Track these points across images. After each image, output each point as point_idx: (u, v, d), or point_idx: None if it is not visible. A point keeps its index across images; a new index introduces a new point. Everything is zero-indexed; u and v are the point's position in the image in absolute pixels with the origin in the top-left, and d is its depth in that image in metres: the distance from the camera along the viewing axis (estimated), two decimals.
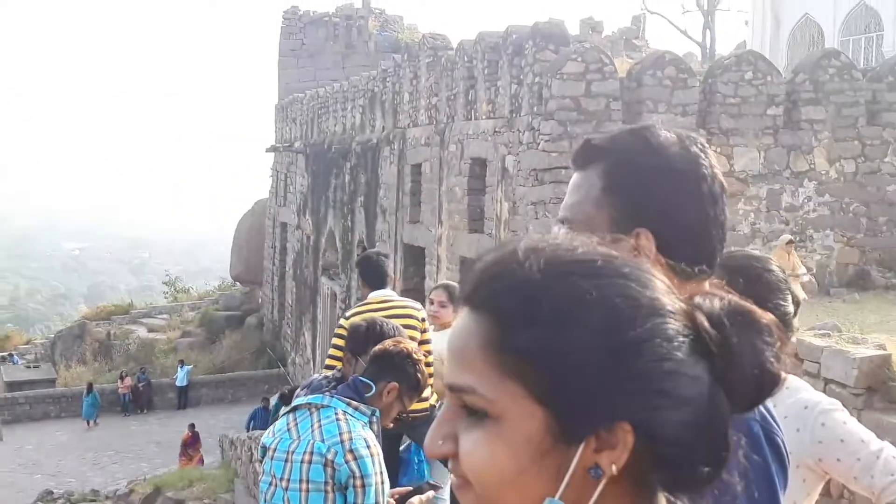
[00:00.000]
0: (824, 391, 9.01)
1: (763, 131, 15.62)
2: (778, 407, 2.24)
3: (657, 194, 1.47)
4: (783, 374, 1.01)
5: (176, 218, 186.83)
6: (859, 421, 8.24)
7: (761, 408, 1.46)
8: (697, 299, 0.96)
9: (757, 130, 15.60)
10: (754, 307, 0.97)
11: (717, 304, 0.95)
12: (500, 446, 0.89)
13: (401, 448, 4.59)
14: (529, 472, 0.89)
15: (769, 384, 0.96)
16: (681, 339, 0.90)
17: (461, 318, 0.94)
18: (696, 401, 0.89)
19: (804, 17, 34.63)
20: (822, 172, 15.83)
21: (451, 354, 0.94)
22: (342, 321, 5.67)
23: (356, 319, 5.16)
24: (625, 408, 0.87)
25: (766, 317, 0.97)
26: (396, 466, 4.38)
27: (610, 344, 0.87)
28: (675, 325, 0.91)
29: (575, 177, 1.56)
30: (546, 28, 15.90)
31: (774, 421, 1.51)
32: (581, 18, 30.14)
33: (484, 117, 17.65)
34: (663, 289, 0.93)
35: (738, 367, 0.93)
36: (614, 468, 0.89)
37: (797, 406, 2.32)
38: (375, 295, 5.91)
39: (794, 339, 9.97)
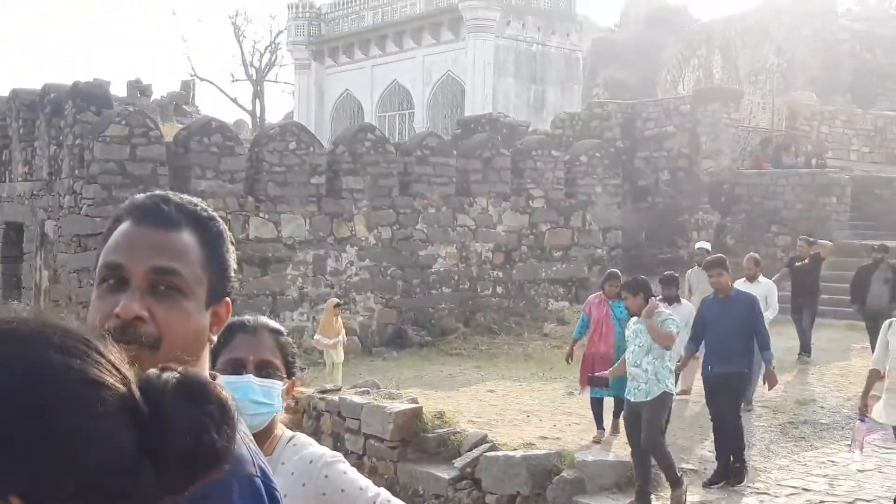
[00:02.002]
0: (364, 446, 9.56)
1: (308, 199, 16.32)
2: (286, 464, 2.39)
3: (232, 263, 1.54)
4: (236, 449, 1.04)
5: None
6: (396, 472, 8.78)
7: (260, 462, 1.53)
8: (152, 371, 0.97)
9: (302, 198, 16.25)
10: (212, 383, 1.00)
11: (168, 377, 0.97)
12: None
13: None
14: None
15: (207, 459, 0.96)
16: (100, 408, 0.90)
17: None
18: (107, 470, 0.89)
19: (345, 93, 36.98)
20: (363, 238, 16.88)
21: None
22: None
23: None
24: (12, 478, 0.85)
25: (222, 394, 1.00)
26: None
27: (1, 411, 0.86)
28: (94, 394, 0.90)
29: (173, 235, 1.48)
30: (87, 88, 15.33)
31: (270, 474, 1.60)
32: (129, 80, 29.42)
33: (20, 179, 16.49)
34: (102, 361, 0.93)
35: (172, 440, 0.93)
36: None
37: (303, 461, 2.44)
38: None
39: (331, 396, 10.35)
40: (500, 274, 18.27)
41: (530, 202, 18.66)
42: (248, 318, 2.49)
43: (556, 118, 23.61)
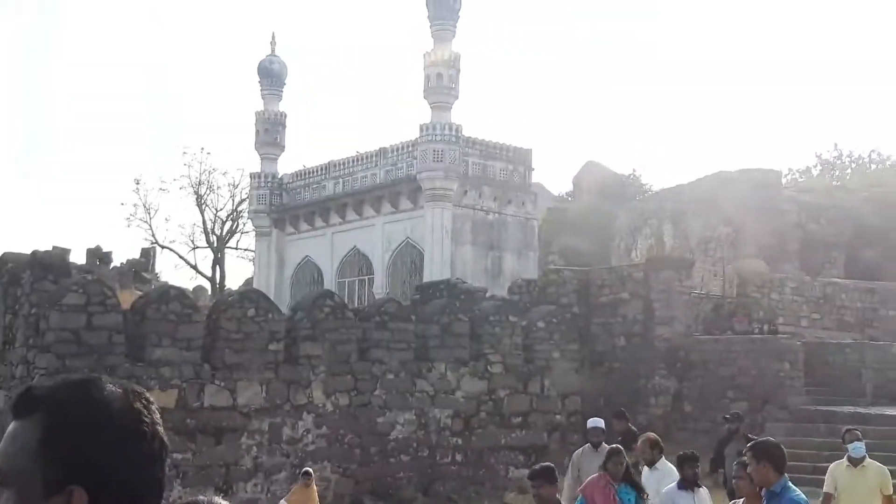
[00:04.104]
0: None
1: (265, 366, 16.22)
2: None
3: (94, 452, 1.49)
4: None
5: None
6: None
7: None
8: None
9: (259, 365, 16.16)
10: None
11: None
12: None
13: None
14: None
15: None
16: None
17: None
18: None
19: (305, 260, 37.29)
20: (320, 405, 16.72)
21: None
22: None
23: None
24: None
25: None
26: None
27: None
28: None
29: (13, 425, 1.52)
30: (46, 257, 15.40)
31: None
32: (88, 248, 29.49)
33: None
34: None
35: None
36: None
37: None
38: None
39: None
40: (460, 441, 18.08)
41: (488, 367, 18.69)
42: (202, 498, 2.47)
43: (513, 284, 23.95)
